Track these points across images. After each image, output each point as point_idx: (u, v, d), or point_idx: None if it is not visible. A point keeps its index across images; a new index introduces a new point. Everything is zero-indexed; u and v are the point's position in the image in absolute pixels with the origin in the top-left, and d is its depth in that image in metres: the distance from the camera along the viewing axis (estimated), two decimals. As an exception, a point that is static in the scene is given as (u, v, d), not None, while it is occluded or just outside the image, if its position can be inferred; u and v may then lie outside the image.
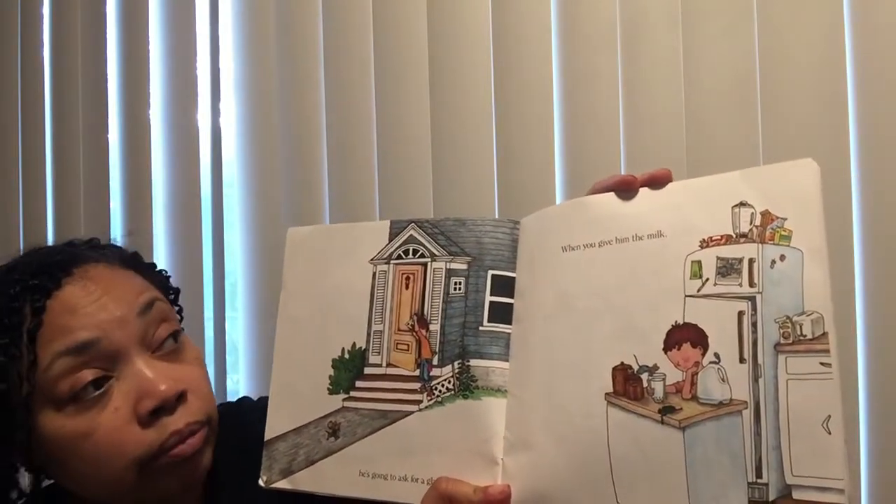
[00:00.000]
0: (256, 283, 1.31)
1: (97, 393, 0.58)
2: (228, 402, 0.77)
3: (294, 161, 1.28)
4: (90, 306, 0.60)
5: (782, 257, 0.45)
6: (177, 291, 0.73)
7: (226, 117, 1.33)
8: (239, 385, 1.33)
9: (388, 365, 0.55)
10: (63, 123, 1.41)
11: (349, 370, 0.56)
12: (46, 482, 0.68)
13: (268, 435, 0.59)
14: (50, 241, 1.40)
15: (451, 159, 1.18)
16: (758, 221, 0.46)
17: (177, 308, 0.72)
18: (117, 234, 1.38)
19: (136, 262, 0.69)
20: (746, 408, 0.44)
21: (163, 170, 1.37)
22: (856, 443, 1.01)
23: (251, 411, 0.73)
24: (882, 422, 1.00)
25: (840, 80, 1.02)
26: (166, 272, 0.73)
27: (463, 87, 1.17)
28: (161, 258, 1.37)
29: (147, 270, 0.69)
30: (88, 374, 0.58)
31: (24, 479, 0.67)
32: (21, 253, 0.68)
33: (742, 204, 0.46)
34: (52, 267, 0.61)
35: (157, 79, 1.37)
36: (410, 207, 1.20)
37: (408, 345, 0.55)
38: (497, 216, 1.15)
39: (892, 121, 1.00)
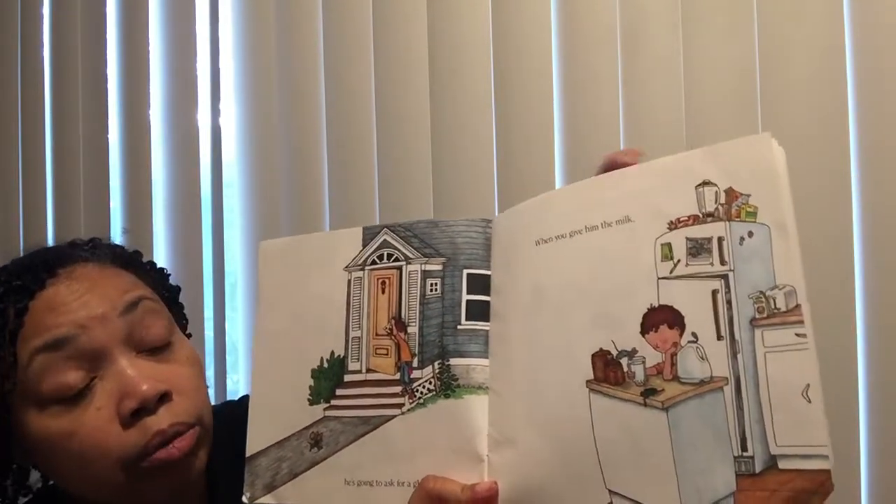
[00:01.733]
0: (256, 283, 1.30)
1: (80, 392, 0.58)
2: (230, 401, 0.77)
3: (294, 161, 1.28)
4: (71, 304, 0.59)
5: (750, 234, 0.45)
6: (177, 290, 0.72)
7: (226, 117, 1.33)
8: (239, 385, 1.33)
9: (368, 370, 0.55)
10: (63, 123, 1.42)
11: (329, 379, 0.56)
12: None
13: (249, 451, 0.58)
14: (50, 241, 1.40)
15: (451, 159, 1.18)
16: (723, 200, 0.46)
17: (178, 307, 0.71)
18: (117, 234, 1.38)
19: (130, 260, 0.68)
20: (727, 384, 0.44)
21: (163, 170, 1.37)
22: (856, 442, 1.01)
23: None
24: (882, 422, 1.00)
25: (840, 80, 1.02)
26: (165, 270, 0.72)
27: (463, 87, 1.17)
28: (161, 258, 1.37)
29: (142, 269, 0.69)
30: (71, 375, 0.58)
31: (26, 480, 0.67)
32: (22, 254, 0.68)
33: (706, 183, 0.46)
34: (37, 268, 0.61)
35: (157, 79, 1.37)
36: (410, 207, 1.20)
37: (387, 349, 0.54)
38: (497, 216, 1.15)
39: (893, 121, 1.00)
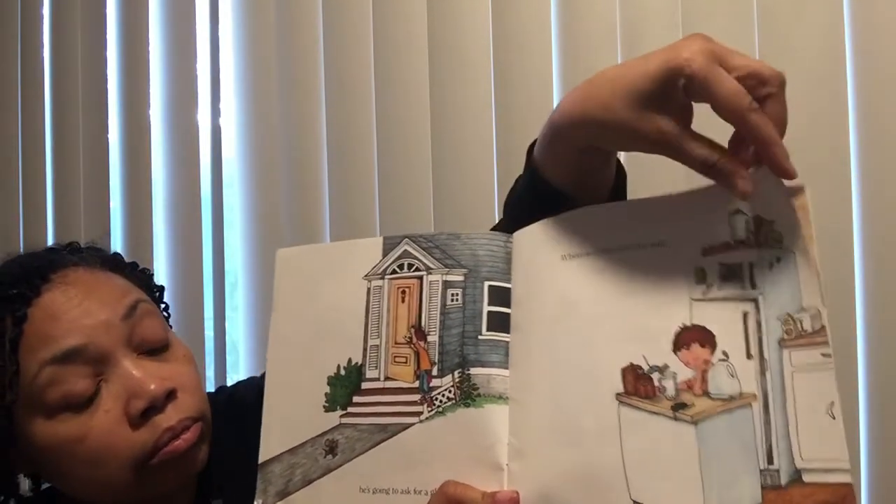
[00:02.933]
0: (256, 282, 1.31)
1: (87, 397, 0.58)
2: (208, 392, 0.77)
3: (294, 161, 1.28)
4: (72, 311, 0.59)
5: (778, 259, 0.46)
6: (161, 289, 0.73)
7: (226, 117, 1.33)
8: (239, 385, 1.33)
9: (387, 378, 0.55)
10: (63, 123, 1.42)
11: (346, 386, 0.56)
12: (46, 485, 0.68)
13: (262, 457, 0.58)
14: (50, 241, 1.40)
15: (451, 160, 1.18)
16: (752, 227, 0.47)
17: (163, 305, 0.71)
18: (117, 235, 1.38)
19: (116, 263, 0.69)
20: (756, 400, 0.45)
21: (163, 170, 1.37)
22: (855, 442, 1.01)
23: (226, 403, 0.73)
24: (882, 421, 1.00)
25: (840, 80, 1.02)
26: (149, 270, 0.73)
27: (463, 87, 1.17)
28: (161, 258, 1.37)
29: (129, 270, 0.69)
30: (79, 382, 0.58)
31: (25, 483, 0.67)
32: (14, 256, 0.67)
33: (737, 212, 0.48)
34: (30, 274, 0.61)
35: (157, 79, 1.37)
36: (410, 207, 1.20)
37: (406, 357, 0.55)
38: (497, 214, 1.16)
39: (893, 121, 1.00)
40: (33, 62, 1.44)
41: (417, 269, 0.56)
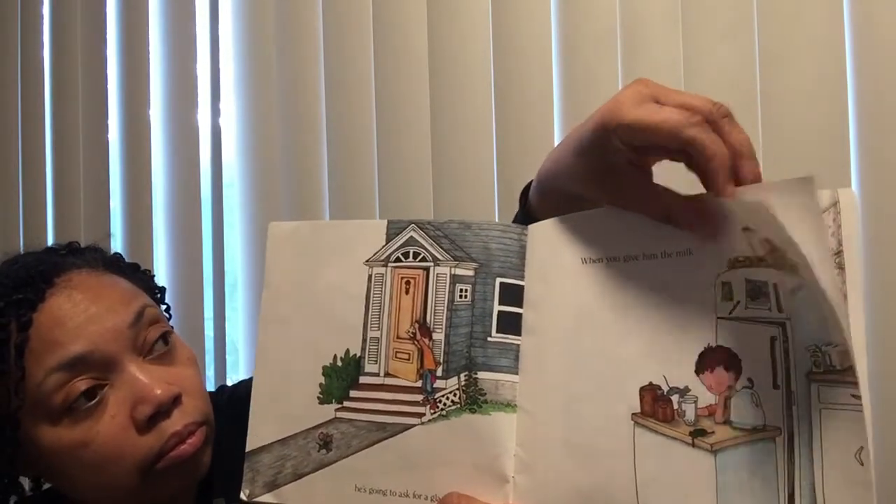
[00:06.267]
0: (256, 283, 1.31)
1: (92, 402, 0.58)
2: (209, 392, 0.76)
3: (294, 161, 1.28)
4: (78, 317, 0.59)
5: (800, 286, 0.43)
6: (162, 290, 0.73)
7: (226, 117, 1.33)
8: (239, 385, 1.33)
9: (387, 374, 0.52)
10: (63, 123, 1.42)
11: (342, 378, 0.53)
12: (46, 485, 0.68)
13: (250, 445, 0.55)
14: (50, 241, 1.40)
15: (451, 159, 1.18)
16: (767, 248, 0.44)
17: (164, 306, 0.71)
18: (118, 235, 1.38)
19: (119, 265, 0.68)
20: (780, 435, 0.43)
21: (163, 170, 1.37)
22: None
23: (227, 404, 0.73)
24: (882, 421, 1.00)
25: (840, 81, 1.02)
26: (150, 272, 0.72)
27: (463, 87, 1.17)
28: (161, 258, 1.37)
29: (131, 273, 0.69)
30: (81, 385, 0.58)
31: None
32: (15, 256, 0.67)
33: (746, 229, 0.44)
34: (34, 278, 0.61)
35: (157, 79, 1.37)
36: (410, 208, 1.20)
37: (409, 354, 0.52)
38: (497, 216, 1.15)
39: (893, 121, 1.00)
40: (33, 62, 1.44)
41: (424, 259, 0.52)
